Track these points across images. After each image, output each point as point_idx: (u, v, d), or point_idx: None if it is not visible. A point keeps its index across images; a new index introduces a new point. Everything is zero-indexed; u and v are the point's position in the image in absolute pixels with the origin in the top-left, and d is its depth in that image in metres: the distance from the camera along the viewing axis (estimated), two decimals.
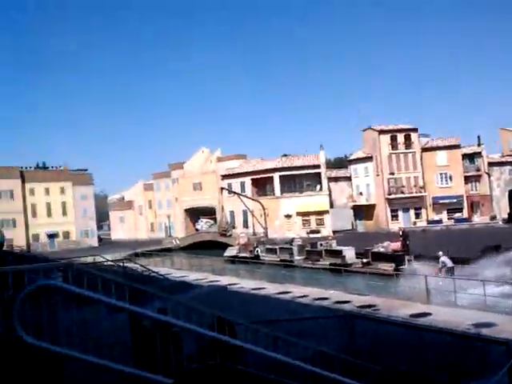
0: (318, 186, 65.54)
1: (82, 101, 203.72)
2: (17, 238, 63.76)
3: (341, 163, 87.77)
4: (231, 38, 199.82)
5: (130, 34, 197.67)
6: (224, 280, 31.65)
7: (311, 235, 58.97)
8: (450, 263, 26.78)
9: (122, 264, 25.57)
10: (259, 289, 28.15)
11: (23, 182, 76.06)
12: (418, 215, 64.50)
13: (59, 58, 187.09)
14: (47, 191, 78.31)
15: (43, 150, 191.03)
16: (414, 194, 64.19)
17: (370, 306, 20.97)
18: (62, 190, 79.55)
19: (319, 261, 41.82)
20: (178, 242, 71.08)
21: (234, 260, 47.19)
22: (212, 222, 76.10)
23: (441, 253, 27.86)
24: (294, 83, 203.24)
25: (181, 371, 4.62)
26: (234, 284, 29.18)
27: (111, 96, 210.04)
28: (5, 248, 17.92)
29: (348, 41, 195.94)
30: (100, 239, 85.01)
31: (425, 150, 65.51)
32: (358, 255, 40.37)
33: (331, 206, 66.11)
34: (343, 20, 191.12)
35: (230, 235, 64.90)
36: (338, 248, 42.94)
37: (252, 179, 69.78)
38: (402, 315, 17.98)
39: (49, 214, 78.52)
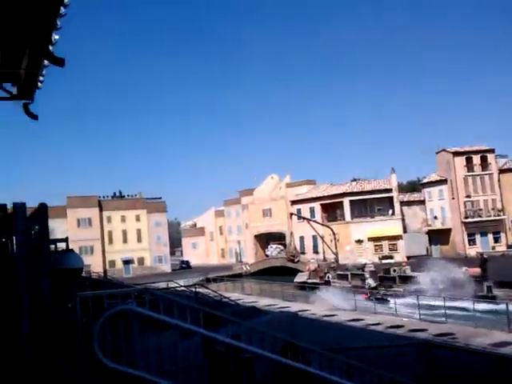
0: (390, 211, 64.13)
1: (157, 130, 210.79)
2: (94, 264, 66.14)
3: (413, 187, 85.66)
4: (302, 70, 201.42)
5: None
6: (294, 306, 31.38)
7: (384, 261, 57.56)
8: None
9: (194, 289, 25.98)
10: (331, 315, 27.71)
11: (101, 210, 79.21)
12: (496, 239, 61.56)
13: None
14: (123, 219, 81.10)
15: (120, 179, 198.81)
16: (492, 218, 61.42)
17: (447, 335, 20.13)
18: (138, 218, 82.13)
19: (392, 287, 40.70)
20: (248, 267, 71.37)
21: (304, 286, 46.71)
22: (282, 247, 75.96)
23: None
24: (362, 107, 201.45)
25: None
26: (305, 310, 28.87)
27: (184, 126, 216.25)
28: (83, 274, 18.63)
29: (427, 62, 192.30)
30: (187, 264, 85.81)
31: (503, 171, 62.78)
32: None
33: (404, 230, 64.39)
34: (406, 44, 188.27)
35: (298, 261, 64.49)
36: (413, 274, 41.68)
37: (321, 204, 69.32)
38: (481, 344, 17.12)
39: (124, 240, 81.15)
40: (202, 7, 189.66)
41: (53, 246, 7.34)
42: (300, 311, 26.89)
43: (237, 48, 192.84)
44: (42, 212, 3.49)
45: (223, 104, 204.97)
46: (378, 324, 24.29)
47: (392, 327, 23.09)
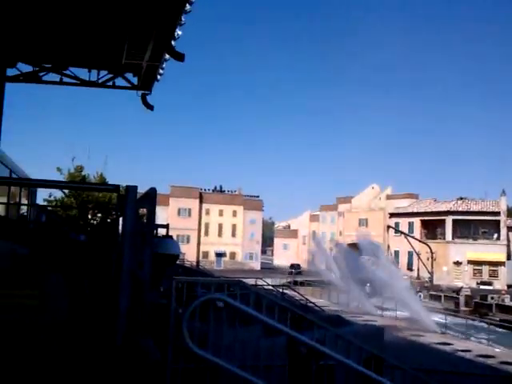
0: (496, 235, 60.56)
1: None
2: (188, 254, 68.35)
3: None
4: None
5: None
6: (381, 321, 30.63)
7: (482, 286, 54.53)
8: None
9: (281, 290, 26.13)
10: (418, 335, 26.79)
11: (201, 202, 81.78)
12: None
13: None
14: (221, 213, 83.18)
15: (222, 175, 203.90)
16: None
17: None
18: (234, 213, 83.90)
19: (488, 315, 38.47)
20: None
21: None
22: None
23: None
24: (478, 120, 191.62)
25: None
26: (392, 327, 28.06)
27: (287, 127, 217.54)
28: (177, 261, 19.30)
29: None
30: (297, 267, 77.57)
31: None
32: None
33: (508, 257, 60.55)
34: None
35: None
36: None
37: (421, 220, 66.91)
38: None
39: (219, 234, 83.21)
40: None
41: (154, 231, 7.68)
42: (386, 326, 26.10)
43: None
44: (152, 196, 3.67)
45: (327, 104, 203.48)
46: (467, 351, 23.13)
47: (482, 356, 21.91)
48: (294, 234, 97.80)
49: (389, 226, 70.12)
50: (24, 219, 10.68)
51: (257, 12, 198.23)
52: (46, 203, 21.75)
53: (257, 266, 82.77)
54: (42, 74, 13.51)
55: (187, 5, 7.35)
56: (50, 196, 23.98)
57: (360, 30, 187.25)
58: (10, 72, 13.68)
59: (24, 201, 11.57)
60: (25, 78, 13.56)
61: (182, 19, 7.83)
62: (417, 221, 67.58)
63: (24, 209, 11.64)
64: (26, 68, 13.40)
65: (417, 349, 22.09)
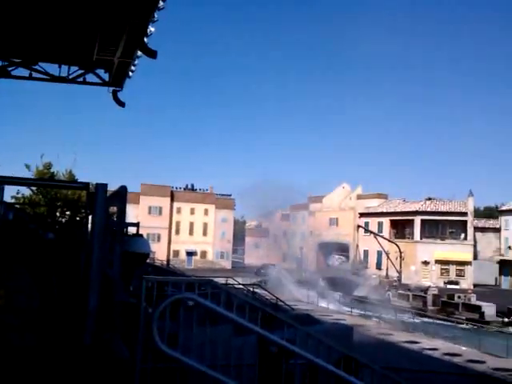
0: (463, 235, 61.81)
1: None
2: (159, 252, 67.93)
3: (490, 213, 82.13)
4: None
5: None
6: (350, 319, 30.96)
7: (449, 286, 55.63)
8: None
9: (251, 289, 26.17)
10: (386, 334, 27.15)
11: (172, 200, 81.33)
12: None
13: None
14: (192, 211, 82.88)
15: (193, 174, 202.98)
16: None
17: (506, 370, 19.23)
18: (206, 212, 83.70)
19: (454, 314, 39.27)
20: (307, 274, 70.79)
21: (362, 301, 45.91)
22: (344, 258, 74.99)
23: None
24: (444, 121, 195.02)
25: None
26: (361, 325, 28.38)
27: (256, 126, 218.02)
28: (148, 260, 19.19)
29: None
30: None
31: None
32: (500, 314, 37.25)
33: (475, 257, 61.88)
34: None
35: (363, 275, 63.44)
36: (477, 303, 40.05)
37: (391, 220, 67.86)
38: None
39: (190, 232, 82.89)
40: None
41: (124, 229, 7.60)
42: (355, 325, 26.42)
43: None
44: (122, 194, 3.64)
45: (299, 103, 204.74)
46: (434, 349, 23.56)
47: (449, 354, 22.34)
48: (265, 232, 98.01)
49: (359, 226, 70.91)
50: None
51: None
52: (13, 200, 21.34)
53: (228, 265, 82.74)
54: (10, 68, 13.24)
55: (160, 1, 7.30)
56: (17, 193, 23.57)
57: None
58: None
59: None
60: None
61: (155, 16, 7.77)
62: (386, 220, 68.50)
63: None
64: None
65: (385, 347, 22.39)
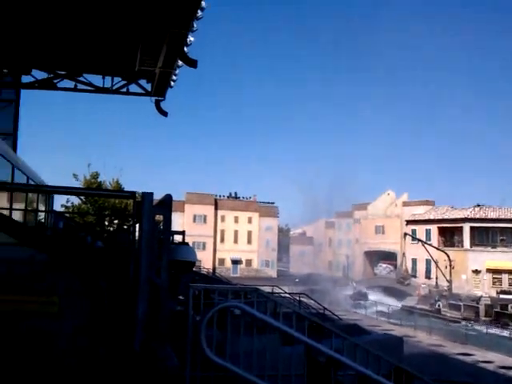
0: None
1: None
2: (204, 260, 68.46)
3: None
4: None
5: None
6: (399, 330, 30.32)
7: (502, 296, 53.72)
8: None
9: (298, 298, 25.97)
10: (438, 346, 26.47)
11: (216, 208, 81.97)
12: None
13: None
14: (236, 219, 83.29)
15: (237, 182, 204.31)
16: None
17: None
18: (250, 220, 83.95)
19: (508, 325, 37.87)
20: (354, 284, 69.94)
21: (411, 311, 44.92)
22: (392, 267, 73.67)
23: None
24: (491, 125, 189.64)
25: None
26: (411, 337, 27.78)
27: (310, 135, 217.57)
28: (194, 268, 19.30)
29: None
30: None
31: None
32: None
33: None
34: None
35: (409, 284, 62.13)
36: None
37: (439, 227, 66.24)
38: None
39: (235, 240, 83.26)
40: None
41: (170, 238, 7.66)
42: (405, 336, 25.89)
43: None
44: (167, 203, 3.65)
45: (340, 110, 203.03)
46: (488, 362, 22.78)
47: (504, 368, 21.56)
48: (309, 241, 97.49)
49: (406, 234, 69.47)
50: (42, 226, 10.75)
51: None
52: (63, 209, 21.94)
53: (273, 273, 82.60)
54: (56, 80, 13.65)
55: (199, 11, 7.37)
56: (67, 202, 24.22)
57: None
58: (26, 79, 13.84)
59: (41, 207, 11.65)
60: (40, 84, 13.71)
61: (194, 25, 7.85)
62: (434, 228, 66.91)
63: (42, 215, 11.72)
64: (41, 75, 13.55)
65: (436, 359, 21.80)
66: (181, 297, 6.58)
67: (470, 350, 25.96)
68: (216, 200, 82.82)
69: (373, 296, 55.09)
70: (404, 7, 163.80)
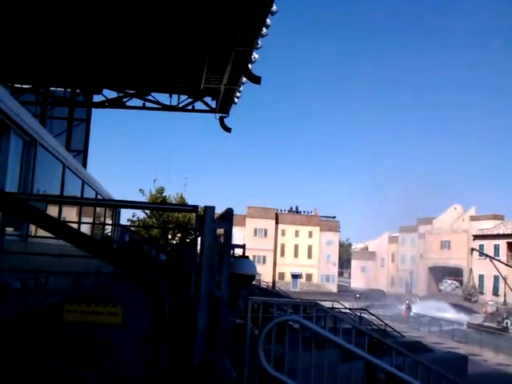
0: None
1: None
2: (264, 274, 68.53)
3: None
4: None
5: None
6: (464, 348, 29.22)
7: None
8: None
9: (358, 314, 25.53)
10: (505, 365, 25.31)
11: (277, 222, 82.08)
12: None
13: None
14: (297, 233, 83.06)
15: (297, 195, 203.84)
16: None
17: None
18: (310, 234, 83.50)
19: None
20: (418, 300, 68.01)
21: (478, 328, 43.17)
22: (457, 284, 71.22)
23: None
24: None
25: None
26: (476, 355, 26.70)
27: (368, 147, 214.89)
28: (254, 282, 19.39)
29: None
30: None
31: None
32: None
33: None
34: None
35: (476, 301, 59.79)
36: None
37: (508, 242, 63.59)
38: None
39: (295, 254, 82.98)
40: None
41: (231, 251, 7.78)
42: (470, 355, 24.92)
43: None
44: (229, 217, 3.75)
45: (402, 120, 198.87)
46: None
47: None
48: (371, 255, 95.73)
49: (473, 249, 66.87)
50: (109, 239, 11.16)
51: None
52: (129, 223, 22.64)
53: (333, 288, 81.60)
54: (125, 99, 14.22)
55: (264, 28, 7.51)
56: (133, 216, 24.98)
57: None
58: (96, 98, 14.48)
59: (108, 221, 12.10)
60: (110, 103, 14.33)
61: (259, 42, 8.00)
62: (503, 243, 64.27)
63: (109, 228, 12.17)
64: (111, 94, 14.16)
65: (503, 379, 20.86)
66: (240, 310, 6.67)
67: None
68: (277, 214, 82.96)
69: (438, 313, 53.38)
70: None
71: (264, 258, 78.31)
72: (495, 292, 62.74)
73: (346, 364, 5.04)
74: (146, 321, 4.00)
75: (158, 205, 20.26)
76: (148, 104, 13.98)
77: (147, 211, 23.57)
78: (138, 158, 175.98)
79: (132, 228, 17.15)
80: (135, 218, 24.87)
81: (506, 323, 44.91)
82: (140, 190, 27.06)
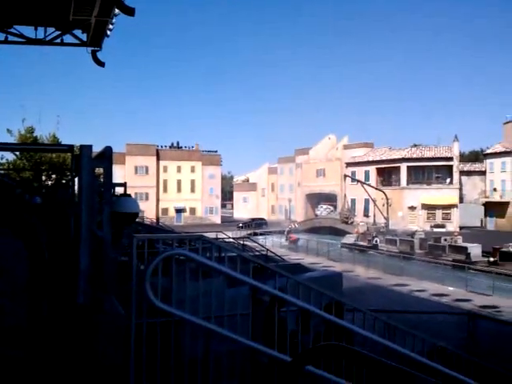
0: (449, 179, 62.53)
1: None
2: (148, 211, 68.02)
3: (476, 157, 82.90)
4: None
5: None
6: (339, 266, 31.58)
7: (435, 229, 56.58)
8: None
9: (242, 242, 26.46)
10: (375, 278, 27.78)
11: (158, 159, 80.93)
12: None
13: None
14: (179, 169, 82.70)
15: (178, 131, 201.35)
16: None
17: (492, 307, 19.91)
18: (193, 169, 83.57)
19: (441, 256, 40.11)
20: (297, 225, 71.66)
21: (351, 248, 46.70)
22: (332, 208, 75.92)
23: None
24: (429, 69, 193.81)
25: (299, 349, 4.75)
26: (350, 271, 28.99)
27: (244, 82, 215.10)
28: (137, 219, 19.20)
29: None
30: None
31: None
32: (485, 254, 38.13)
33: (461, 200, 62.83)
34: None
35: (352, 222, 64.30)
36: (463, 244, 40.89)
37: (377, 168, 68.32)
38: None
39: (178, 190, 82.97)
40: None
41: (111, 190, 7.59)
42: (344, 271, 26.99)
43: None
44: (107, 155, 3.62)
45: (286, 56, 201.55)
46: (422, 291, 24.20)
47: (437, 295, 22.98)
48: (252, 187, 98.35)
49: (345, 176, 71.31)
50: None
51: None
52: None
53: (217, 219, 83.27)
54: None
55: None
56: (1, 158, 23.34)
57: None
58: None
59: None
60: None
61: None
62: (372, 169, 68.92)
63: None
64: None
65: (374, 291, 22.95)
66: (124, 248, 6.61)
67: (405, 280, 27.43)
68: (158, 150, 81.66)
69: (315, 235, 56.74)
70: None
71: (147, 194, 77.45)
72: (366, 214, 67.76)
73: (232, 289, 5.22)
74: (24, 267, 3.84)
75: (29, 145, 19.02)
76: (11, 37, 12.75)
77: (17, 152, 22.06)
78: (2, 96, 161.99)
79: (1, 171, 16.05)
80: (4, 161, 23.27)
81: (376, 241, 48.87)
82: (8, 130, 25.33)
